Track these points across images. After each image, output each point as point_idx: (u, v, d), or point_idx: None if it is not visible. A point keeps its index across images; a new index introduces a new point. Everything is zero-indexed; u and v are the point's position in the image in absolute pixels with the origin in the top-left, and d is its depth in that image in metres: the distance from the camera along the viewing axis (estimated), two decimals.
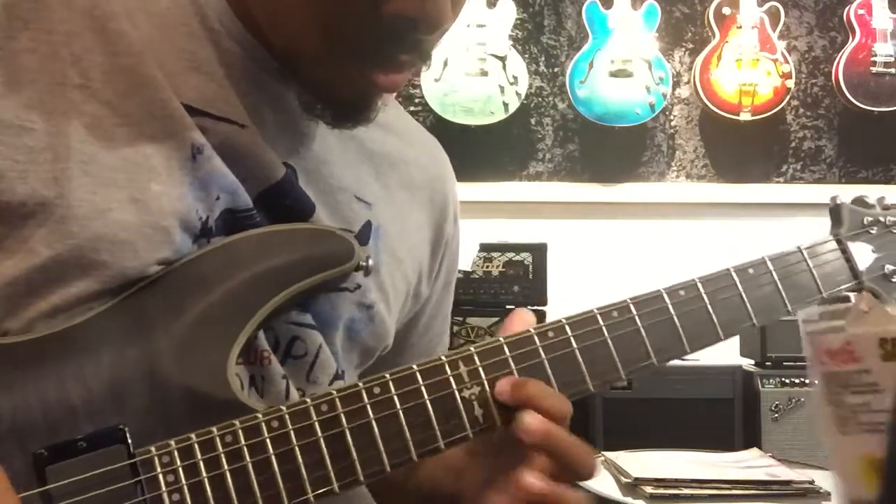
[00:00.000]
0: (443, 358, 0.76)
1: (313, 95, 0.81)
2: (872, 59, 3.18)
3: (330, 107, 0.81)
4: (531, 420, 0.74)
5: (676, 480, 1.91)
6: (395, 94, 0.91)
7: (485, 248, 2.85)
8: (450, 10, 0.75)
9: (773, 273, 0.88)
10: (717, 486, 1.90)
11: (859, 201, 0.96)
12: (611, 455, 2.11)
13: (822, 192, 3.21)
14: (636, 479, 1.92)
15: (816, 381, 0.94)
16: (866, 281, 0.92)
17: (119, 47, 0.76)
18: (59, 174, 0.72)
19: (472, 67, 3.11)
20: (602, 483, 1.95)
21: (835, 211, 0.96)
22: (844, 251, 0.92)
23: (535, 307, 2.79)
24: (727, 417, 2.75)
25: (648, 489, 1.87)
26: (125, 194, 0.73)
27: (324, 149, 0.87)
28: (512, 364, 0.77)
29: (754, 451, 2.26)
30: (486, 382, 0.76)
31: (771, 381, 2.71)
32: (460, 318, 2.75)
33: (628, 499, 1.87)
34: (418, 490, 0.91)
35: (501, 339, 0.78)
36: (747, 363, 2.84)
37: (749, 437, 2.68)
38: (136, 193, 0.73)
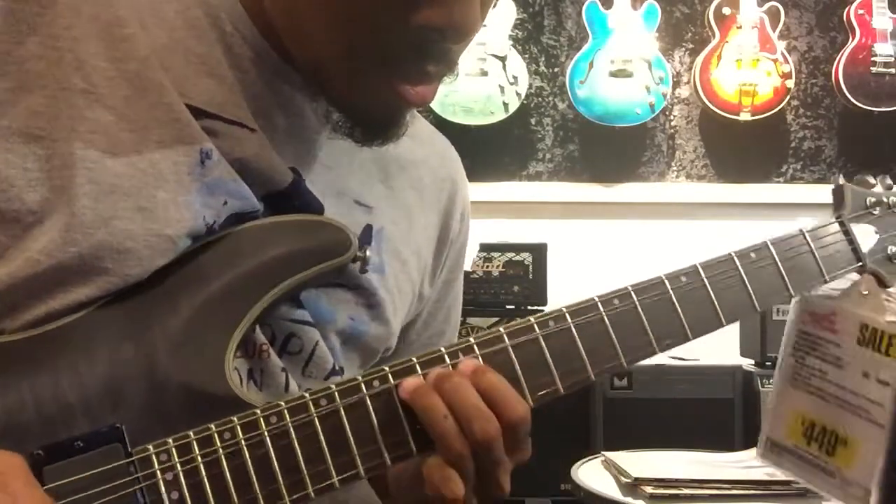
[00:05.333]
0: (442, 350, 0.75)
1: (342, 113, 0.80)
2: (872, 59, 3.18)
3: (359, 124, 0.80)
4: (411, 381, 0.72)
5: (676, 480, 1.90)
6: None
7: (485, 248, 2.85)
8: (479, 17, 0.74)
9: (775, 256, 0.87)
10: (717, 486, 1.89)
11: (861, 181, 0.94)
12: (611, 455, 2.11)
13: (822, 192, 3.20)
14: (636, 479, 1.91)
15: (789, 332, 0.95)
16: (869, 263, 0.91)
17: (124, 53, 0.75)
18: (65, 181, 0.71)
19: (472, 67, 3.11)
20: (602, 483, 1.95)
21: (837, 192, 0.94)
22: (847, 233, 0.91)
23: (535, 307, 2.79)
24: (727, 417, 2.75)
25: (648, 489, 1.87)
26: (131, 202, 0.72)
27: (331, 154, 0.86)
28: (512, 354, 0.76)
29: (754, 451, 2.25)
30: None
31: (771, 381, 2.70)
32: (461, 318, 2.74)
33: (628, 499, 1.86)
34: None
35: (501, 329, 0.77)
36: (747, 363, 2.84)
37: (749, 437, 2.68)
38: (143, 201, 0.73)
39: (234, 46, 0.79)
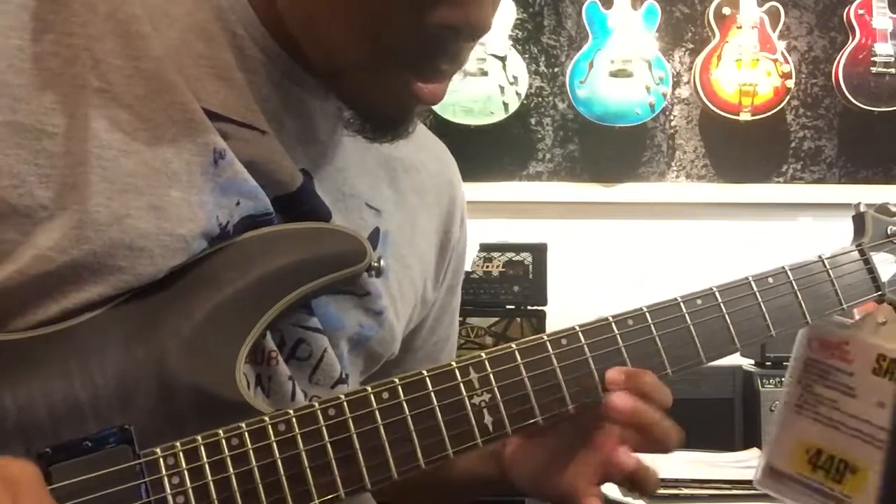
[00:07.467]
0: (453, 364, 0.75)
1: (354, 110, 0.81)
2: (872, 59, 3.17)
3: (370, 120, 0.81)
4: (621, 400, 0.77)
5: (676, 480, 1.91)
6: None
7: (485, 248, 2.84)
8: (491, 16, 0.75)
9: (793, 283, 0.87)
10: (717, 486, 1.90)
11: (883, 209, 0.94)
12: None
13: (822, 193, 3.21)
14: None
15: (795, 359, 0.96)
16: (888, 293, 0.91)
17: (140, 51, 0.75)
18: (78, 179, 0.71)
19: (472, 67, 3.11)
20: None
21: (858, 219, 0.93)
22: (867, 262, 0.91)
23: (535, 307, 2.79)
24: (727, 417, 2.75)
25: None
26: (144, 201, 0.73)
27: (340, 155, 0.86)
28: (523, 371, 0.76)
29: (754, 451, 2.26)
30: (496, 389, 0.76)
31: (771, 381, 2.71)
32: (460, 318, 2.74)
33: (628, 499, 1.87)
34: (453, 483, 0.92)
35: (513, 345, 0.77)
36: (747, 363, 2.84)
37: (749, 437, 2.68)
38: (156, 200, 0.73)
39: (244, 49, 0.79)
